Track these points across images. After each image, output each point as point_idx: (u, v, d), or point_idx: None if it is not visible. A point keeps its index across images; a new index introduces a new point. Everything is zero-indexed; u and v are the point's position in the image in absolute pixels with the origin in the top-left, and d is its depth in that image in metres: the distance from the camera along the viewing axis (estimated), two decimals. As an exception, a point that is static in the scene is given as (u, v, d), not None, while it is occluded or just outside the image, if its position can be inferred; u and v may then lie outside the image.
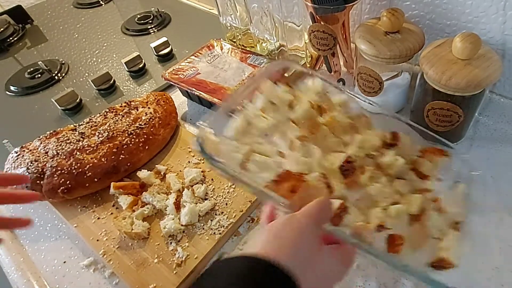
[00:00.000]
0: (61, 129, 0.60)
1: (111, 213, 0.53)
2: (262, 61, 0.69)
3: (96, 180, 0.54)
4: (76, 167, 0.54)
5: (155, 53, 0.83)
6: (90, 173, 0.54)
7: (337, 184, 0.35)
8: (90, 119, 0.61)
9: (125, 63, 0.80)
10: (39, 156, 0.56)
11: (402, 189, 0.38)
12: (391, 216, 0.35)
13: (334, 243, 0.33)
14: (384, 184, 0.37)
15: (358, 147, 0.38)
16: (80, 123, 0.61)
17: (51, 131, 0.60)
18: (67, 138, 0.57)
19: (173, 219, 0.50)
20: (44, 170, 0.54)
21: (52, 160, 0.55)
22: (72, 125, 0.61)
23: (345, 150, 0.38)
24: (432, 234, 0.36)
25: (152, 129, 0.59)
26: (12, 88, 0.83)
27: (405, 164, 0.39)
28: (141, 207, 0.52)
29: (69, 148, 0.56)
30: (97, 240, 0.51)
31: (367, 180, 0.36)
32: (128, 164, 0.57)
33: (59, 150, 0.55)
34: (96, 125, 0.59)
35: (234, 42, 0.77)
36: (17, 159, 0.57)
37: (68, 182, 0.53)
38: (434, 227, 0.36)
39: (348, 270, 0.34)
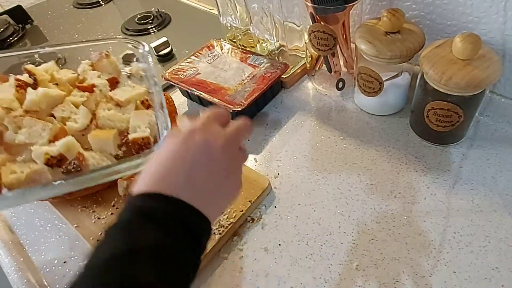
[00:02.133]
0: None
1: (111, 213, 0.53)
2: (262, 61, 0.69)
3: (96, 180, 0.54)
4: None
5: (155, 53, 0.83)
6: (90, 173, 0.54)
7: None
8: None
9: (125, 63, 0.80)
10: (39, 156, 0.56)
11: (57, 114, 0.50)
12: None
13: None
14: (35, 126, 0.47)
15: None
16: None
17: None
18: (67, 138, 0.57)
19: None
20: (44, 170, 0.54)
21: (52, 160, 0.54)
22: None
23: None
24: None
25: (152, 129, 0.59)
26: (12, 88, 0.83)
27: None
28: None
29: (69, 148, 0.55)
30: (97, 240, 0.50)
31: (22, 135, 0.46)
32: (128, 164, 0.57)
33: (59, 150, 0.55)
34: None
35: (234, 42, 0.77)
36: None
37: (68, 182, 0.53)
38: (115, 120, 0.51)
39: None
